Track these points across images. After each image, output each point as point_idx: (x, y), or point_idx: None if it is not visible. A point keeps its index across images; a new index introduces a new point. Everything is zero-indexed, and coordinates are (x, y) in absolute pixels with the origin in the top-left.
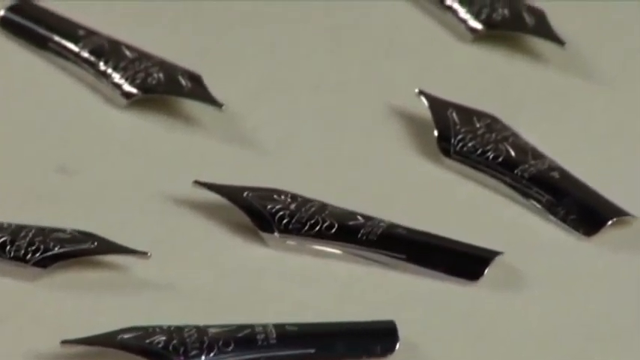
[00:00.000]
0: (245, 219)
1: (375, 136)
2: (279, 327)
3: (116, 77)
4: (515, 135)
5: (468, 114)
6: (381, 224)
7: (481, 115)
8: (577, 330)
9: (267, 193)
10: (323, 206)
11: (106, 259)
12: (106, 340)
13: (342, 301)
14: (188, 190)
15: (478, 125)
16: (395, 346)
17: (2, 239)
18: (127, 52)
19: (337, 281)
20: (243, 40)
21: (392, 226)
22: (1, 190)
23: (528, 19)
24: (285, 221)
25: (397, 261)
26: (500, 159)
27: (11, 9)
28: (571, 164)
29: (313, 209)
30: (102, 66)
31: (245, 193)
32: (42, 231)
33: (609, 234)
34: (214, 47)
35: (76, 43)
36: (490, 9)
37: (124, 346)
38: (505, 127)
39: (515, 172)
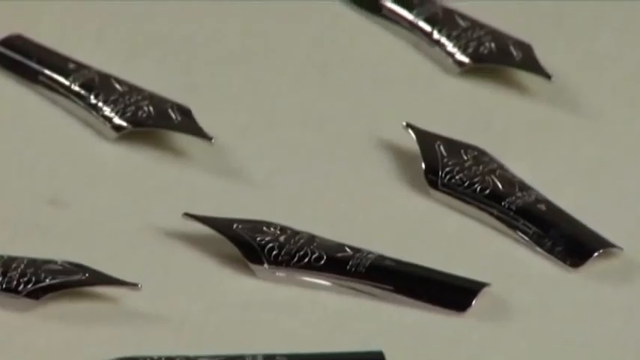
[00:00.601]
0: (234, 251)
1: (363, 169)
2: (269, 357)
3: (107, 110)
4: (502, 167)
5: (455, 146)
6: (370, 256)
7: (468, 148)
8: None
9: (257, 225)
10: (312, 238)
11: (97, 291)
12: None
13: (331, 332)
14: (178, 222)
15: (465, 158)
16: None
17: None
18: (117, 86)
19: (326, 312)
20: (232, 75)
21: (380, 258)
22: None
23: (515, 53)
24: (274, 253)
25: (385, 292)
26: (487, 191)
27: (2, 43)
28: (558, 196)
29: (302, 241)
30: (92, 99)
31: (234, 225)
32: (33, 262)
33: (596, 266)
34: (204, 82)
35: (66, 76)
36: (477, 43)
37: None
38: (492, 160)
39: (503, 204)
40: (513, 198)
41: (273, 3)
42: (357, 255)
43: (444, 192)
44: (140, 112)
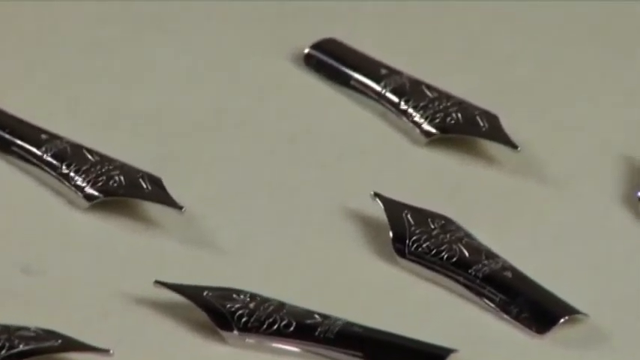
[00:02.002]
0: (205, 318)
1: (332, 237)
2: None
3: (78, 180)
4: (468, 236)
5: (422, 215)
6: (338, 322)
7: (435, 217)
8: None
9: (226, 293)
10: (281, 305)
11: (70, 357)
12: None
13: None
14: (149, 290)
15: (432, 226)
16: None
17: None
18: (89, 156)
19: None
20: (202, 146)
21: (349, 325)
22: None
23: (482, 123)
24: (244, 320)
25: (354, 359)
26: (454, 259)
27: None
28: (524, 264)
29: (271, 308)
30: (64, 169)
31: (204, 293)
32: (7, 329)
33: (561, 332)
34: (174, 152)
35: (38, 147)
36: (444, 113)
37: None
38: (459, 228)
39: (469, 271)
40: (480, 266)
41: (242, 75)
42: (326, 322)
43: (412, 260)
44: (111, 182)
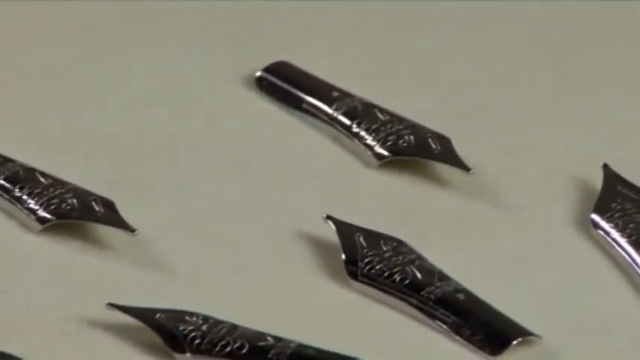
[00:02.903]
0: (157, 340)
1: (284, 260)
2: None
3: (31, 203)
4: (421, 258)
5: (374, 238)
6: (291, 345)
7: (387, 239)
8: None
9: (179, 315)
10: (234, 327)
11: None
12: None
13: None
14: (102, 313)
15: (385, 249)
16: None
17: None
18: (42, 179)
19: None
20: (156, 170)
21: (301, 347)
22: None
23: (434, 146)
24: (197, 342)
25: None
26: (406, 281)
27: None
28: (476, 286)
29: (224, 330)
30: (17, 192)
31: (157, 315)
32: None
33: (514, 354)
34: (128, 176)
35: None
36: (396, 136)
37: None
38: (411, 250)
39: (422, 294)
40: (432, 288)
41: (194, 99)
42: (279, 344)
43: (364, 282)
44: (64, 205)
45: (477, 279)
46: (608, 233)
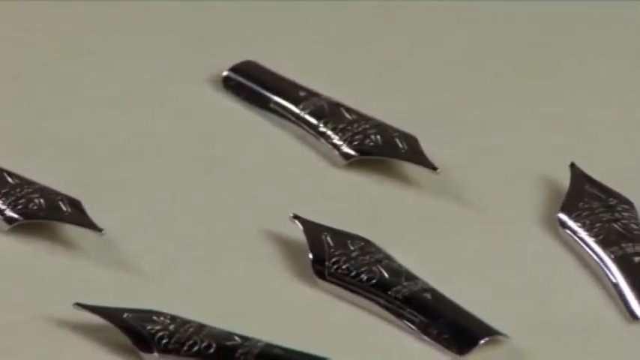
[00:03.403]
0: (125, 340)
1: (252, 260)
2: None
3: None
4: (388, 257)
5: (341, 237)
6: (259, 344)
7: (355, 238)
8: None
9: (147, 315)
10: (201, 327)
11: None
12: None
13: None
14: (70, 312)
15: (352, 248)
16: None
17: None
18: (9, 179)
19: None
20: (123, 170)
21: (269, 346)
22: None
23: (401, 145)
24: (164, 341)
25: None
26: (374, 281)
27: None
28: (444, 286)
29: (192, 330)
30: None
31: (125, 315)
32: None
33: (482, 353)
34: (95, 177)
35: None
36: (363, 135)
37: None
38: (378, 250)
39: (389, 293)
40: (400, 287)
41: (162, 99)
42: (247, 343)
43: (331, 282)
44: (31, 205)
45: (445, 278)
46: (575, 232)
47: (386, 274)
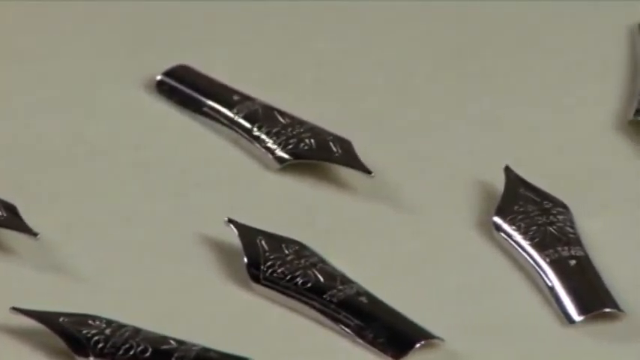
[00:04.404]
0: (61, 344)
1: (186, 264)
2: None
3: None
4: (323, 261)
5: (276, 241)
6: (194, 348)
7: (289, 242)
8: None
9: (82, 319)
10: (137, 331)
11: None
12: None
13: None
14: (5, 317)
15: (287, 252)
16: None
17: None
18: None
19: None
20: (57, 175)
21: (204, 350)
22: None
23: (335, 149)
24: (100, 345)
25: None
26: (309, 284)
27: None
28: (379, 289)
29: (127, 334)
30: None
31: (60, 319)
32: None
33: (417, 356)
34: (29, 182)
35: None
36: (297, 139)
37: None
38: (313, 254)
39: (324, 297)
40: (335, 291)
41: (95, 103)
42: (182, 347)
43: (266, 286)
44: None
45: (380, 282)
46: (510, 236)
47: (321, 278)
